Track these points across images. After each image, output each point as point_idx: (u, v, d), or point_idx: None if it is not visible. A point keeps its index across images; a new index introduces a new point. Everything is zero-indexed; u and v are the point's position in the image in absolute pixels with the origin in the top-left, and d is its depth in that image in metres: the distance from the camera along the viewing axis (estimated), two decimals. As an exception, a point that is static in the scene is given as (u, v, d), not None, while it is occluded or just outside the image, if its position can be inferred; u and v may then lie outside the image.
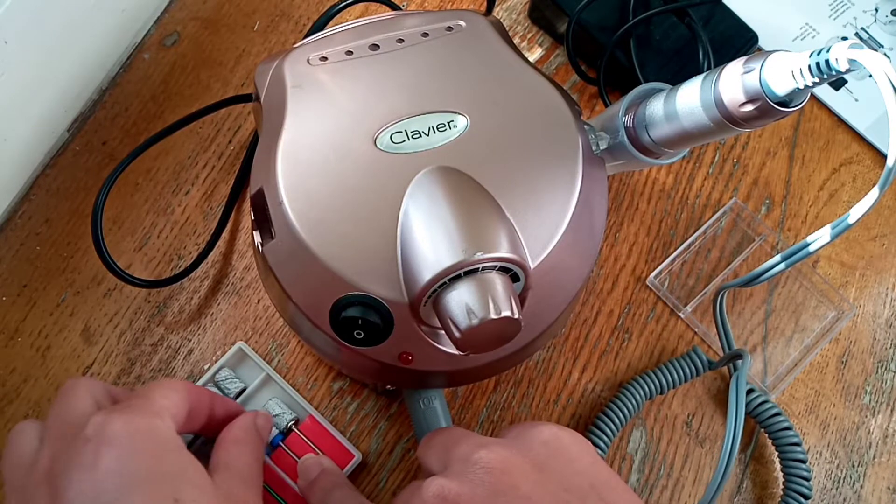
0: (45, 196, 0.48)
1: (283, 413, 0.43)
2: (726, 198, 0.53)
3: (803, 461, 0.45)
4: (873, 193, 0.29)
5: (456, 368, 0.37)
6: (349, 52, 0.38)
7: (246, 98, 0.49)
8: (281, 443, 0.42)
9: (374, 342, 0.35)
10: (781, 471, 0.45)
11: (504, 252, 0.32)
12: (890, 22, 0.59)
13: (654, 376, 0.46)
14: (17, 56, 0.43)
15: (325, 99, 0.37)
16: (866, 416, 0.49)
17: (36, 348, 0.45)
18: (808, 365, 0.49)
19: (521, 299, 0.35)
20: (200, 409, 0.36)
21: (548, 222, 0.35)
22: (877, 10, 0.59)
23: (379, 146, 0.36)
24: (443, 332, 0.36)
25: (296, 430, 0.43)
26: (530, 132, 0.37)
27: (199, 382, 0.44)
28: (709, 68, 0.50)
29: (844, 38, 0.58)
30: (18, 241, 0.47)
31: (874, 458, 0.48)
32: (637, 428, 0.47)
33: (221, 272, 0.47)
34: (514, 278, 0.34)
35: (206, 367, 0.45)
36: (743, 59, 0.32)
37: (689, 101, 0.34)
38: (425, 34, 0.39)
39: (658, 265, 0.50)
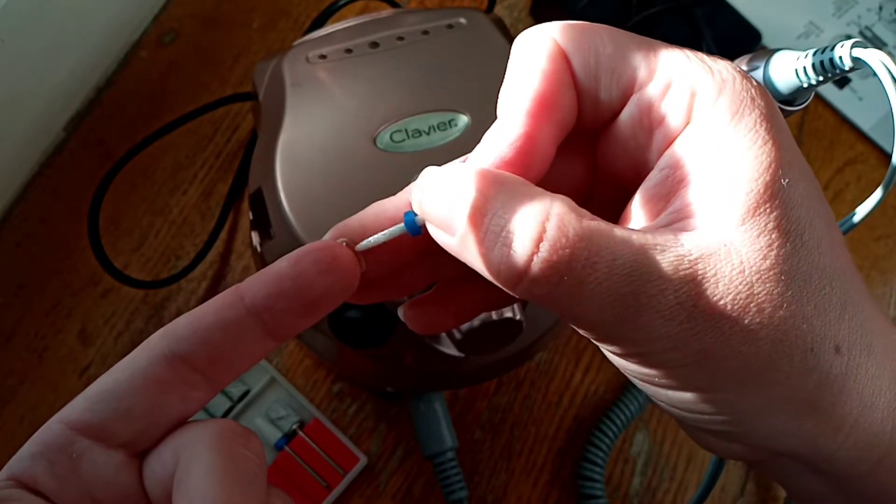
0: (42, 196, 0.48)
1: (288, 416, 0.43)
2: (729, 197, 0.52)
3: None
4: (878, 193, 0.29)
5: (457, 370, 0.37)
6: (349, 51, 0.38)
7: (244, 97, 0.48)
8: (286, 446, 0.42)
9: (375, 344, 0.35)
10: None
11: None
12: (894, 20, 0.58)
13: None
14: (12, 54, 0.42)
15: (325, 97, 0.37)
16: (871, 418, 0.49)
17: (32, 350, 0.44)
18: (812, 366, 0.49)
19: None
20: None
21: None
22: (881, 8, 0.59)
23: (379, 145, 0.35)
24: (443, 333, 0.36)
25: (300, 433, 0.43)
26: (532, 131, 0.36)
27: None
28: (712, 67, 0.49)
29: (849, 37, 0.57)
30: (14, 241, 0.46)
31: (879, 460, 0.48)
32: (640, 430, 0.46)
33: (219, 273, 0.47)
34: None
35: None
36: (746, 57, 0.31)
37: (692, 99, 0.34)
38: (426, 32, 0.39)
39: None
